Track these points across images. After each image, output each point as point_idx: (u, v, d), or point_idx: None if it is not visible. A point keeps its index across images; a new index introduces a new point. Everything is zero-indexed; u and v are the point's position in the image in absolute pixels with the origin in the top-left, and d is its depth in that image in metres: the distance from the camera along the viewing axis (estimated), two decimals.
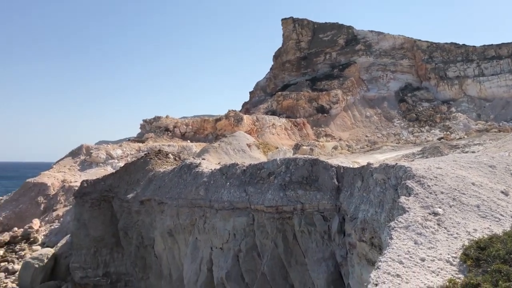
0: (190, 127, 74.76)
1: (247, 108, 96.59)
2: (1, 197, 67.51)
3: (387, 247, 7.12)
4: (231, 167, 16.45)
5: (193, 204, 16.99)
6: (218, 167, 18.22)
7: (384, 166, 10.83)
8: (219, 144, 45.18)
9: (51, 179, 60.08)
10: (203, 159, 31.45)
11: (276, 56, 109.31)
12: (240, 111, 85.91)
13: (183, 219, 17.26)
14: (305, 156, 15.14)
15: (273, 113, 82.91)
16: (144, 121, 77.83)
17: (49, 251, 36.52)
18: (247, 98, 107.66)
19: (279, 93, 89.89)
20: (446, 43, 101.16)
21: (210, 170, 17.86)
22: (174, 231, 17.87)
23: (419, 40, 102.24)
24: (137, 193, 24.24)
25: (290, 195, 13.64)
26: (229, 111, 73.13)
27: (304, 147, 52.12)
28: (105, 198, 29.40)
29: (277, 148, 51.55)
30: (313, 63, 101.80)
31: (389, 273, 6.27)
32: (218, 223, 15.01)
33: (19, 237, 51.04)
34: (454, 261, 6.62)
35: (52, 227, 50.40)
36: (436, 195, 8.80)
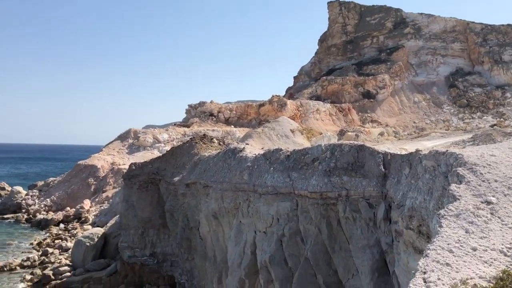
0: (234, 112, 75.28)
1: (291, 93, 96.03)
2: (54, 178, 70.90)
3: (436, 235, 6.92)
4: (275, 152, 16.45)
5: (237, 188, 17.17)
6: (262, 152, 18.28)
7: (434, 153, 10.49)
8: (262, 130, 45.23)
9: (101, 161, 62.40)
10: (247, 144, 31.64)
11: (322, 40, 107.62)
12: (284, 96, 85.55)
13: (227, 202, 17.49)
14: (351, 142, 14.91)
15: (318, 98, 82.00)
16: (190, 106, 79.09)
17: (99, 230, 38.07)
18: (291, 83, 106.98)
19: (324, 77, 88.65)
20: (502, 25, 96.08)
21: (254, 155, 17.95)
22: (219, 214, 18.16)
23: (472, 22, 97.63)
24: (183, 176, 24.75)
25: (334, 181, 13.50)
26: (272, 96, 72.96)
27: (349, 133, 51.33)
28: (152, 180, 30.24)
29: (321, 134, 51.07)
30: (360, 47, 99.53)
31: (438, 262, 6.10)
32: (261, 208, 15.11)
33: (72, 217, 53.58)
34: (508, 251, 6.35)
35: (102, 207, 52.50)
36: (489, 183, 8.44)
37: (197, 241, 22.19)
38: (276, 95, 73.66)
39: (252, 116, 73.25)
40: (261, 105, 72.62)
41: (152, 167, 30.58)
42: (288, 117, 56.25)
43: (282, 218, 14.24)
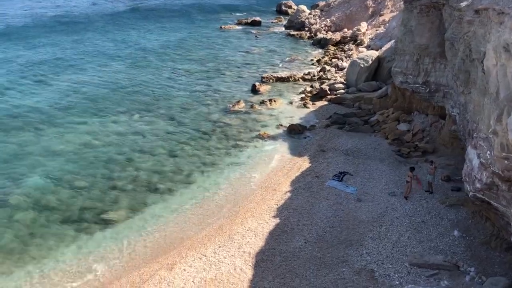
0: None
1: None
2: None
3: None
4: None
5: None
6: None
7: None
8: None
9: None
10: None
11: None
12: None
13: None
14: None
15: None
16: None
17: (374, 53, 38.78)
18: None
19: None
20: None
21: None
22: None
23: None
24: (473, 0, 21.90)
25: None
26: None
27: None
28: (435, 5, 27.94)
29: None
30: None
31: None
32: None
33: (348, 38, 55.62)
34: None
35: (378, 31, 52.38)
36: None
37: (477, 75, 20.35)
38: None
39: None
40: None
41: None
42: None
43: None
